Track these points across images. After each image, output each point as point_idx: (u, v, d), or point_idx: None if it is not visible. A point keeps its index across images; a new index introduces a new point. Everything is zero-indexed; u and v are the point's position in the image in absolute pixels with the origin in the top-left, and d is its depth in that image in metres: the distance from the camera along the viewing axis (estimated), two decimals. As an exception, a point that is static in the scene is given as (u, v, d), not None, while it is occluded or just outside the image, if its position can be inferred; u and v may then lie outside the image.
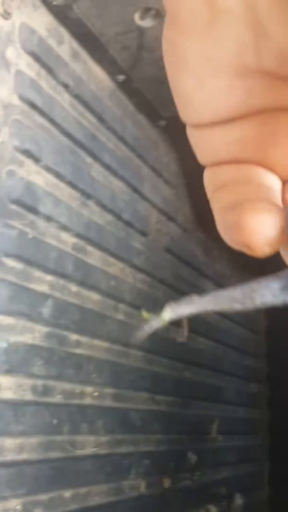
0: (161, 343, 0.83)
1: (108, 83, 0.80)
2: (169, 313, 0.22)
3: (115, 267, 0.76)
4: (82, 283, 0.68)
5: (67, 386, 0.63)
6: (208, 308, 0.22)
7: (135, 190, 0.83)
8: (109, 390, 0.70)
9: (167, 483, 0.78)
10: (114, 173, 0.79)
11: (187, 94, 0.23)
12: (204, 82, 0.22)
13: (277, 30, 0.21)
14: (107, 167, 0.77)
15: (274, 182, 0.24)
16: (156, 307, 0.74)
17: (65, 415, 0.63)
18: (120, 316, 0.75)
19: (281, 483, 0.97)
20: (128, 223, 0.80)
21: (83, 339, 0.67)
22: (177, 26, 0.22)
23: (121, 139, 0.81)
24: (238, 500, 0.92)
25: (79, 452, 0.64)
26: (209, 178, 0.25)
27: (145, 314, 0.22)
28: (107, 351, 0.71)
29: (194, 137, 0.24)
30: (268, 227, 0.22)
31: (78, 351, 0.66)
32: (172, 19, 0.22)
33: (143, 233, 0.84)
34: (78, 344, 0.66)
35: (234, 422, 1.00)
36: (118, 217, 0.78)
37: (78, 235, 0.69)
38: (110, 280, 0.74)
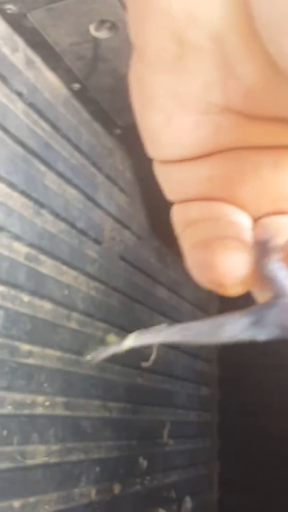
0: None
1: (63, 91, 0.80)
2: (130, 342, 0.22)
3: (69, 276, 0.76)
4: (34, 293, 0.68)
5: (18, 396, 0.63)
6: (174, 340, 0.22)
7: (89, 198, 0.84)
8: (60, 399, 0.71)
9: (117, 489, 0.78)
10: (68, 182, 0.79)
11: (154, 131, 0.23)
12: (172, 119, 0.22)
13: (244, 69, 0.21)
14: (61, 175, 0.77)
15: (244, 220, 0.24)
16: (110, 314, 0.75)
17: (15, 425, 0.63)
18: (73, 325, 0.76)
19: (230, 485, 1.00)
20: (82, 232, 0.80)
21: (35, 349, 0.67)
22: (145, 62, 0.22)
23: (76, 147, 0.81)
24: (188, 503, 0.93)
25: (29, 462, 0.64)
26: (178, 215, 0.25)
27: (110, 337, 0.23)
28: (59, 360, 0.72)
29: (162, 174, 0.24)
30: (240, 266, 0.22)
31: (30, 361, 0.66)
32: (140, 55, 0.22)
33: (97, 241, 0.84)
34: (29, 354, 0.66)
35: (185, 426, 1.02)
36: (72, 225, 0.78)
37: (30, 245, 0.69)
38: (63, 289, 0.74)
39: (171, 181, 0.24)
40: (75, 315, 0.76)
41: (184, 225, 0.25)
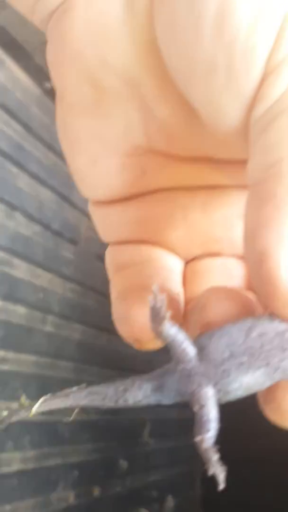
0: (92, 352, 0.83)
1: (35, 90, 0.79)
2: (40, 407, 0.22)
3: (43, 278, 0.75)
4: (7, 298, 0.67)
5: (-8, 404, 0.63)
6: (82, 403, 0.22)
7: (64, 198, 0.83)
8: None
9: (97, 491, 0.78)
10: (42, 183, 0.78)
11: (81, 172, 0.22)
12: (97, 161, 0.22)
13: (162, 111, 0.20)
14: (35, 176, 0.76)
15: (174, 264, 0.24)
16: (87, 315, 0.74)
17: (-10, 433, 0.62)
18: (49, 328, 0.75)
19: (213, 482, 1.00)
20: (57, 233, 0.79)
21: (9, 354, 0.66)
22: (65, 105, 0.22)
23: (50, 147, 0.80)
24: (170, 502, 0.93)
25: (5, 470, 0.64)
26: (110, 257, 0.25)
27: (23, 399, 0.22)
28: (35, 365, 0.71)
29: (94, 214, 0.24)
30: None
31: (4, 367, 0.65)
32: (60, 98, 0.22)
33: (73, 242, 0.83)
34: (3, 360, 0.66)
35: (166, 424, 1.02)
36: (46, 227, 0.77)
37: (3, 248, 0.68)
38: (37, 292, 0.73)
39: (103, 222, 0.24)
40: (50, 318, 0.75)
41: (114, 269, 0.24)
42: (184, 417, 1.20)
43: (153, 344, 0.22)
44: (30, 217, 0.74)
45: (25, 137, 0.75)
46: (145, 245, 0.24)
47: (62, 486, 0.72)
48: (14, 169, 0.73)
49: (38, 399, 0.76)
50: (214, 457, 0.21)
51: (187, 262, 0.24)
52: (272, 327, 0.19)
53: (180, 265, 0.24)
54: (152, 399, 0.21)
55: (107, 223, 0.24)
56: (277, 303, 0.18)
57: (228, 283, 0.23)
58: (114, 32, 0.20)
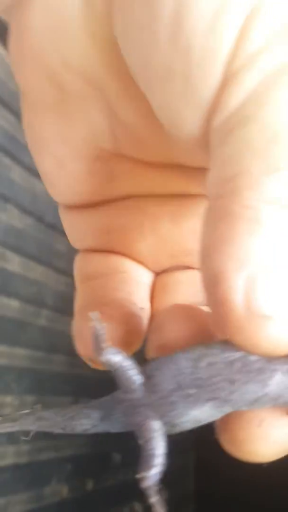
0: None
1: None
2: None
3: (37, 272, 0.75)
4: (0, 291, 0.67)
5: (-15, 398, 0.62)
6: (30, 428, 0.21)
7: (57, 190, 0.82)
8: (30, 398, 0.70)
9: (90, 485, 0.78)
10: (36, 174, 0.77)
11: (48, 175, 0.22)
12: (64, 164, 0.21)
13: (128, 115, 0.19)
14: (28, 168, 0.75)
15: (143, 276, 0.23)
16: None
17: (-17, 427, 0.62)
18: (42, 322, 0.74)
19: (206, 475, 1.00)
20: (50, 225, 0.79)
21: (2, 348, 0.66)
22: (28, 104, 0.21)
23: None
24: (163, 495, 0.94)
25: (-2, 464, 0.63)
26: (77, 266, 0.24)
27: None
28: (28, 359, 0.70)
29: (64, 218, 0.23)
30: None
31: (-3, 361, 0.65)
32: (23, 96, 0.21)
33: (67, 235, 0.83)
34: (-4, 354, 0.65)
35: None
36: (40, 219, 0.77)
37: (-4, 242, 0.67)
38: (31, 286, 0.73)
39: (71, 228, 0.23)
40: (44, 311, 0.75)
41: (80, 278, 0.23)
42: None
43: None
44: (23, 210, 0.73)
45: (18, 128, 0.75)
46: (113, 255, 0.23)
47: (55, 480, 0.72)
48: (7, 161, 0.72)
49: (31, 393, 0.76)
50: (155, 497, 0.20)
51: (157, 274, 0.23)
52: (223, 357, 0.18)
53: (149, 278, 0.23)
54: (100, 428, 0.20)
55: (75, 229, 0.23)
56: (229, 328, 0.17)
57: (198, 297, 0.22)
58: (74, 29, 0.18)
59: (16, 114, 0.74)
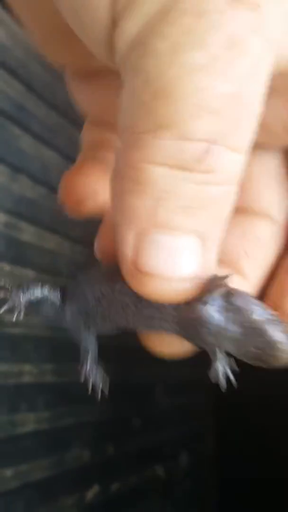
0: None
1: (35, 48, 0.77)
2: None
3: (51, 242, 0.75)
4: (15, 262, 0.67)
5: (4, 367, 0.63)
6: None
7: (69, 159, 0.81)
8: (49, 366, 0.70)
9: (111, 449, 0.79)
10: (46, 143, 0.76)
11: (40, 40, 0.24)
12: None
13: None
14: (38, 137, 0.75)
15: None
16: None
17: (3, 395, 0.63)
18: (58, 291, 0.75)
19: (225, 438, 1.01)
20: (63, 194, 0.78)
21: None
22: None
23: (52, 106, 0.78)
24: (184, 458, 0.95)
25: (20, 430, 0.64)
26: (82, 135, 0.27)
27: None
28: (45, 328, 0.71)
29: (72, 90, 0.26)
30: (80, 186, 0.25)
31: (15, 331, 0.65)
32: None
33: (80, 203, 0.82)
34: (14, 324, 0.66)
35: (179, 381, 1.03)
36: (52, 189, 0.76)
37: (9, 212, 0.67)
38: (46, 256, 0.73)
39: (78, 97, 0.27)
40: (59, 281, 0.75)
41: (82, 147, 0.27)
42: (196, 375, 1.21)
43: (77, 210, 0.26)
44: (35, 180, 0.73)
45: (27, 97, 0.74)
46: (109, 130, 0.26)
47: (76, 445, 0.73)
48: (17, 130, 0.71)
49: (50, 361, 0.76)
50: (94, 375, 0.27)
51: None
52: (119, 298, 0.23)
53: None
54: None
55: (80, 100, 0.26)
56: (124, 276, 0.20)
57: None
58: None
59: (24, 82, 0.73)
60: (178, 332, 0.23)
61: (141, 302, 0.23)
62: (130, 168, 0.18)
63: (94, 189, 0.24)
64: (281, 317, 0.21)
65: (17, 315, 0.25)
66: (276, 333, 0.20)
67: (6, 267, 0.66)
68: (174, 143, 0.18)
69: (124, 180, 0.19)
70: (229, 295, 0.21)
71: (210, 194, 0.19)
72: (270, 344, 0.20)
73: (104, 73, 0.23)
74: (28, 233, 0.70)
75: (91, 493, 0.75)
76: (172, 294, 0.20)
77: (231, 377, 0.24)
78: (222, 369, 0.23)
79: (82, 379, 0.25)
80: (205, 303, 0.21)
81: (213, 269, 0.22)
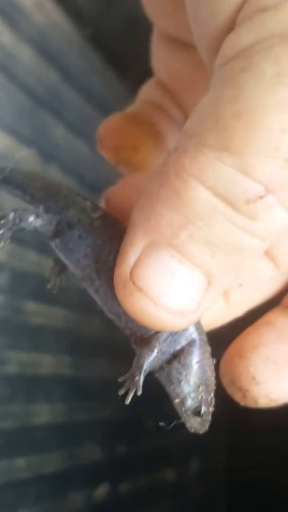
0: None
1: (75, 36, 0.76)
2: None
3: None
4: (41, 251, 0.66)
5: (23, 356, 0.62)
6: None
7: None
8: (66, 359, 0.70)
9: (122, 449, 0.78)
10: (78, 134, 0.76)
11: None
12: None
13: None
14: (71, 127, 0.74)
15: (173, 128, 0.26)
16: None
17: (21, 384, 0.62)
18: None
19: (238, 446, 1.00)
20: (91, 187, 0.77)
21: (41, 308, 0.66)
22: None
23: (87, 97, 0.78)
24: (195, 464, 0.93)
25: (34, 421, 0.63)
26: (142, 88, 0.28)
27: None
28: (66, 320, 0.70)
29: (154, 46, 0.26)
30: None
31: (36, 320, 0.65)
32: None
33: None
34: (35, 313, 0.65)
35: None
36: (82, 180, 0.75)
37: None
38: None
39: (156, 56, 0.27)
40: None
41: (137, 98, 0.28)
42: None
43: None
44: (65, 169, 0.72)
45: (63, 86, 0.73)
46: (169, 97, 0.26)
47: (88, 441, 0.72)
48: (51, 119, 0.70)
49: (69, 354, 0.75)
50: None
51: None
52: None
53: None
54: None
55: (157, 58, 0.26)
56: (114, 280, 0.20)
57: None
58: None
59: (61, 71, 0.72)
60: (127, 336, 0.24)
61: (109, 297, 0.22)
62: (177, 176, 0.17)
63: (136, 143, 0.24)
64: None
65: (2, 245, 0.24)
66: (192, 422, 0.23)
67: (32, 256, 0.65)
68: (232, 172, 0.17)
69: (164, 186, 0.18)
70: (185, 352, 0.22)
71: (241, 242, 0.18)
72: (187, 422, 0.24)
73: (193, 49, 0.23)
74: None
75: (100, 491, 0.74)
76: (150, 319, 0.19)
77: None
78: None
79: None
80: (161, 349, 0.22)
81: (202, 316, 0.21)
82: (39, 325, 0.65)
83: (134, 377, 0.25)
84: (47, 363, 0.66)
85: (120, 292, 0.19)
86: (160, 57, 0.26)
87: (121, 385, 0.26)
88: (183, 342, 0.22)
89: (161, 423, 0.23)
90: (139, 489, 0.80)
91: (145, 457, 0.83)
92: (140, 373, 0.24)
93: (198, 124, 0.17)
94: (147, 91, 0.26)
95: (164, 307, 0.19)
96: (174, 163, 0.18)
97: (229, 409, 1.09)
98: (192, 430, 0.23)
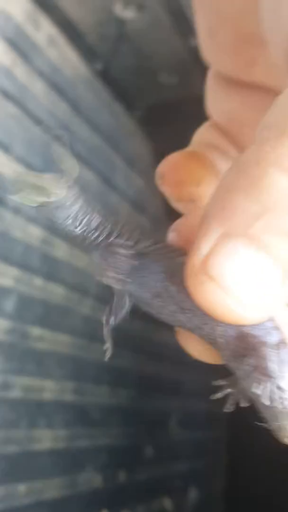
0: (125, 337, 0.83)
1: (85, 71, 0.79)
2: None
3: (82, 260, 0.75)
4: (48, 277, 0.67)
5: (27, 381, 0.63)
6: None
7: (106, 181, 0.82)
8: (70, 384, 0.70)
9: (123, 476, 0.78)
10: (86, 164, 0.78)
11: (202, 41, 0.24)
12: (215, 33, 0.23)
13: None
14: (79, 157, 0.76)
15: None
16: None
17: (24, 409, 0.62)
18: (85, 310, 0.75)
19: (237, 477, 0.99)
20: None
21: (46, 333, 0.67)
22: None
23: (95, 128, 0.80)
24: (193, 493, 0.93)
25: (36, 447, 0.64)
26: (198, 130, 0.27)
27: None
28: (70, 346, 0.71)
29: (209, 86, 0.26)
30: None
31: (40, 345, 0.66)
32: None
33: (113, 226, 0.83)
34: (40, 338, 0.66)
35: (194, 415, 1.02)
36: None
37: (45, 228, 0.68)
38: (76, 273, 0.73)
39: (211, 96, 0.26)
40: (87, 300, 0.75)
41: (193, 141, 0.27)
42: (211, 409, 1.19)
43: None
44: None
45: (72, 117, 0.75)
46: (227, 139, 0.26)
47: (90, 468, 0.73)
48: (61, 150, 0.72)
49: (71, 379, 0.75)
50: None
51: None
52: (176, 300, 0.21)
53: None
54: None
55: (213, 98, 0.26)
56: (186, 266, 0.18)
57: None
58: None
59: (72, 103, 0.75)
60: (223, 349, 0.21)
61: (192, 310, 0.21)
62: (256, 165, 0.17)
63: (198, 178, 0.24)
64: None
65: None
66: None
67: (39, 282, 0.66)
68: None
69: (242, 175, 0.17)
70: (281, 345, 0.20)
71: None
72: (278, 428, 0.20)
73: (251, 89, 0.23)
74: (61, 250, 0.71)
75: (100, 518, 0.74)
76: (220, 309, 0.18)
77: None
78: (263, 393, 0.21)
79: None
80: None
81: (277, 312, 0.20)
82: (44, 351, 0.66)
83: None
84: (50, 389, 0.67)
85: (191, 283, 0.18)
86: (216, 98, 0.25)
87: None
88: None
89: (257, 422, 0.20)
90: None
91: (144, 486, 0.83)
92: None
93: (279, 115, 0.17)
94: (202, 133, 0.26)
95: (236, 298, 0.18)
96: (253, 152, 0.17)
97: (229, 437, 1.10)
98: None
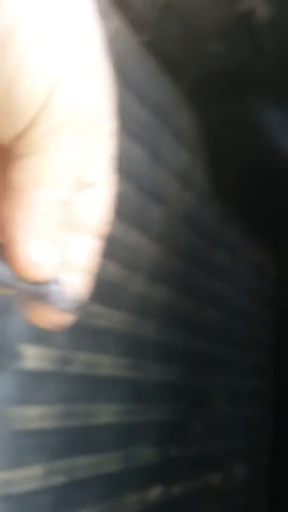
0: (176, 315, 0.82)
1: (132, 42, 0.77)
2: None
3: (133, 237, 0.75)
4: (106, 257, 0.67)
5: (85, 356, 0.63)
6: None
7: (154, 156, 0.81)
8: (124, 361, 0.70)
9: (174, 452, 0.78)
10: (136, 138, 0.76)
11: None
12: None
13: None
14: (129, 132, 0.75)
15: None
16: (173, 277, 0.72)
17: (83, 385, 0.63)
18: (138, 287, 0.74)
19: (282, 454, 0.99)
20: (148, 192, 0.78)
21: (103, 310, 0.66)
22: None
23: (145, 102, 0.78)
24: (240, 469, 0.93)
25: (95, 421, 0.64)
26: None
27: None
28: (124, 322, 0.71)
29: None
30: None
31: (98, 322, 0.65)
32: None
33: (161, 201, 0.82)
34: (98, 315, 0.66)
35: (241, 393, 1.01)
36: (137, 184, 0.76)
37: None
38: (127, 250, 0.73)
39: None
40: (139, 277, 0.75)
41: None
42: (258, 388, 1.19)
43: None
44: (122, 174, 0.73)
45: (122, 91, 0.74)
46: None
47: (144, 443, 0.73)
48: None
49: (127, 356, 0.75)
50: None
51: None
52: None
53: None
54: None
55: None
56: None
57: None
58: None
59: (121, 76, 0.73)
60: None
61: None
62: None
63: None
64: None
65: None
66: None
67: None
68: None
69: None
70: None
71: None
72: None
73: None
74: (113, 226, 0.70)
75: (154, 493, 0.74)
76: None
77: None
78: None
79: None
80: None
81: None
82: (100, 327, 0.66)
83: None
84: (106, 364, 0.67)
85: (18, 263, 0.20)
86: None
87: None
88: None
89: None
90: (189, 492, 0.80)
91: (193, 462, 0.83)
92: None
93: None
94: None
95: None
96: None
97: (276, 415, 1.09)
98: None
